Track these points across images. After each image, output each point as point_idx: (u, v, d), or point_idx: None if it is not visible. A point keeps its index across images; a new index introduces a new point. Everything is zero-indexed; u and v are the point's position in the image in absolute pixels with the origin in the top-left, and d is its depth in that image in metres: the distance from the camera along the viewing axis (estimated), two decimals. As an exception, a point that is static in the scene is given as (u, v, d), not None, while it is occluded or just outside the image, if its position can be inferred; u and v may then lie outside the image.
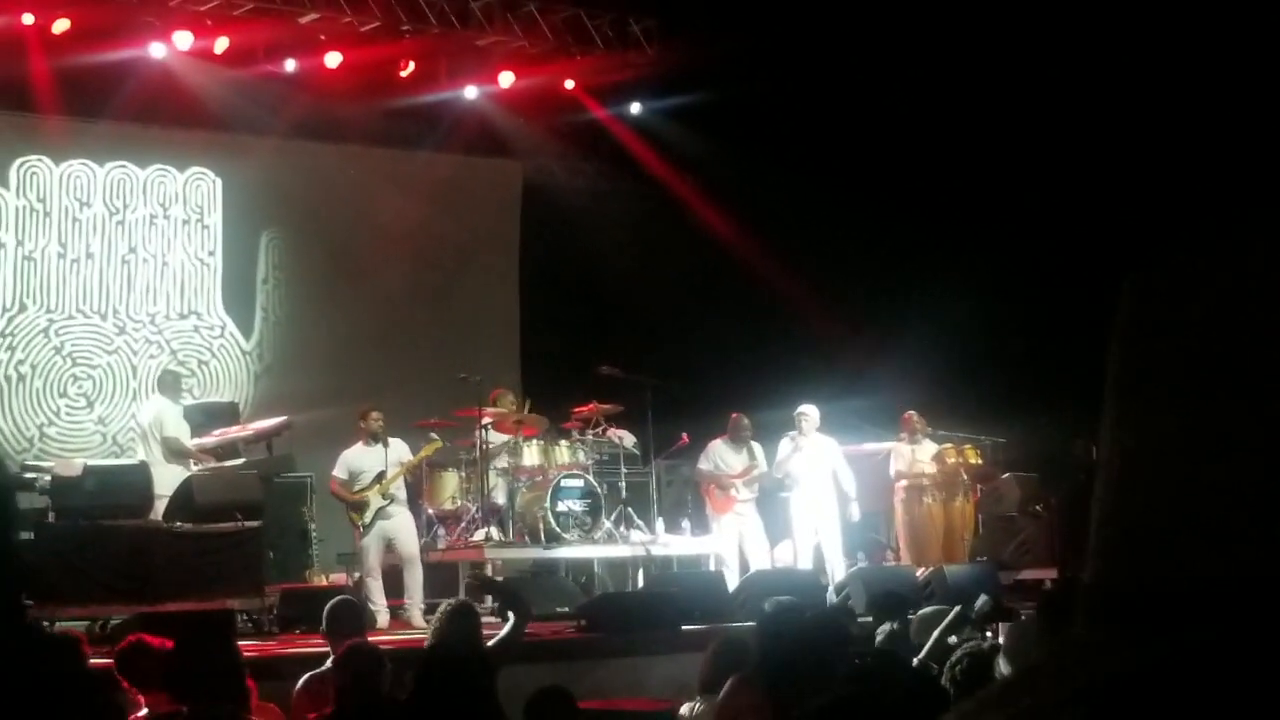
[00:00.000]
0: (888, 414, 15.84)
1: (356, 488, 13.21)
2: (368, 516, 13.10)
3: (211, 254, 17.67)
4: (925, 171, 17.55)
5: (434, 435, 14.22)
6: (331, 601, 8.55)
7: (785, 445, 14.62)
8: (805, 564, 14.38)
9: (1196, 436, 1.05)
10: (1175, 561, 1.03)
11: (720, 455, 14.71)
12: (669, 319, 18.49)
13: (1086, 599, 1.10)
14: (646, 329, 17.95)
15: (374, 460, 13.27)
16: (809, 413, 14.62)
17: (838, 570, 14.14)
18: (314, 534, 14.49)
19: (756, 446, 14.79)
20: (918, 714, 3.37)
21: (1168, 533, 1.04)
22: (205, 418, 14.49)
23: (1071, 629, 1.13)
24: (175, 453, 13.38)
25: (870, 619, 8.79)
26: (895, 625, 7.46)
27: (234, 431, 14.28)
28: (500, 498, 14.29)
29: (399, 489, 13.38)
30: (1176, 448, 1.06)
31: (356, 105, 17.45)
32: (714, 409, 15.45)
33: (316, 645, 9.19)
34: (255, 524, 12.22)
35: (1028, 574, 15.15)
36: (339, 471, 13.35)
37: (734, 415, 14.91)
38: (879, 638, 7.41)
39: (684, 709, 6.76)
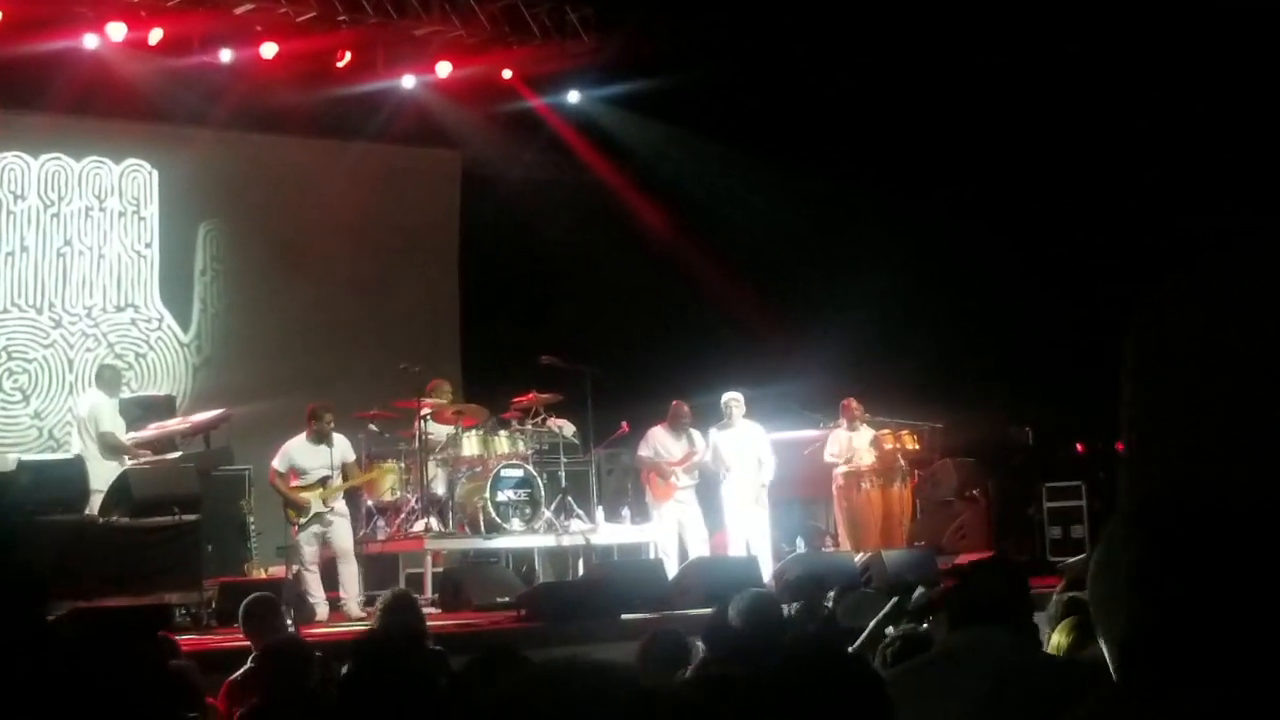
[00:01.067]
0: (824, 399, 15.91)
1: (295, 484, 13.19)
2: (304, 518, 13.09)
3: (148, 246, 17.56)
4: (861, 155, 17.64)
5: (374, 427, 14.24)
6: (247, 599, 8.54)
7: (713, 433, 14.72)
8: (738, 551, 14.44)
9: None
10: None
11: (661, 442, 14.77)
12: (608, 307, 18.52)
13: (1127, 504, 1.20)
14: (586, 318, 17.98)
15: (319, 459, 13.24)
16: (737, 399, 14.71)
17: (764, 556, 14.23)
18: (253, 527, 14.42)
19: (696, 434, 14.85)
20: (851, 698, 3.40)
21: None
22: (142, 410, 14.43)
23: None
24: (111, 448, 13.31)
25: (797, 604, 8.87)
26: (799, 606, 7.51)
27: (171, 424, 14.23)
28: (440, 488, 14.29)
29: (338, 495, 13.40)
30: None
31: (294, 95, 17.36)
32: (653, 397, 15.51)
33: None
34: (193, 517, 12.19)
35: (965, 558, 15.26)
36: (279, 463, 13.31)
37: (674, 403, 14.97)
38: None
39: None
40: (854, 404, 15.47)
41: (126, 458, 13.28)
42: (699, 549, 14.44)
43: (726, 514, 14.75)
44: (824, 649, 3.78)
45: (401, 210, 18.99)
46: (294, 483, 13.23)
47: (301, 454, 13.32)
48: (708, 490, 15.00)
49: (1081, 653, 4.95)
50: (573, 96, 19.03)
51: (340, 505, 13.40)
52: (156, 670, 5.71)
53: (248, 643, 8.32)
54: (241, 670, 7.18)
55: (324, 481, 13.20)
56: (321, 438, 13.32)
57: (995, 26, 16.48)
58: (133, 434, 13.67)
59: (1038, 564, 15.41)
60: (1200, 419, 1.17)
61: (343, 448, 13.49)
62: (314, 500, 13.12)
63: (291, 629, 9.65)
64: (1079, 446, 18.10)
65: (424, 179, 19.42)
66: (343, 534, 13.26)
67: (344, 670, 6.26)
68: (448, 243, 19.41)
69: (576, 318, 17.89)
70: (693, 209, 18.60)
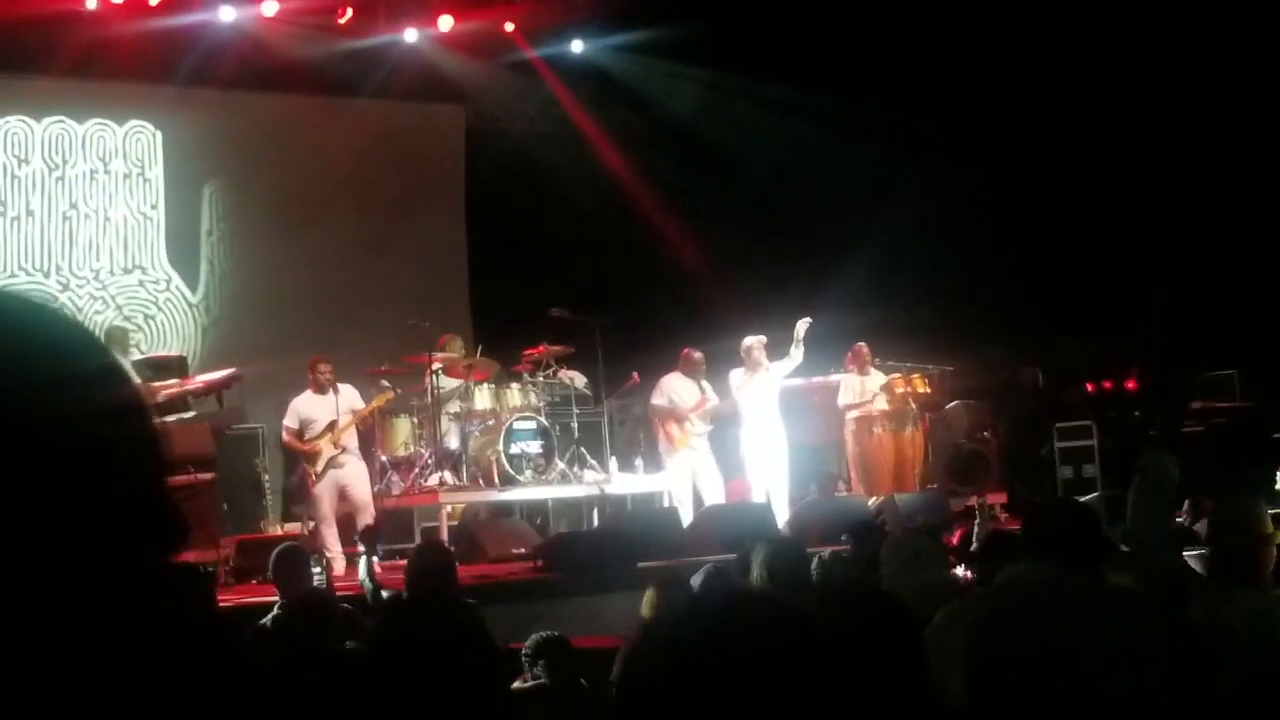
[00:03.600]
0: (837, 343, 15.88)
1: (308, 436, 13.20)
2: (320, 465, 13.09)
3: (154, 207, 17.56)
4: (871, 96, 17.55)
5: (385, 384, 14.20)
6: (278, 549, 8.59)
7: (737, 375, 14.62)
8: (759, 497, 14.41)
9: None
10: None
11: (674, 389, 14.71)
12: (617, 258, 18.51)
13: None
14: (595, 269, 17.95)
15: (325, 409, 13.23)
16: (758, 343, 14.61)
17: (782, 503, 14.20)
18: (267, 484, 14.51)
19: (705, 383, 14.82)
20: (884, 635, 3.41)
21: None
22: (154, 371, 14.43)
23: None
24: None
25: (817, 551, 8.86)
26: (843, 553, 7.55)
27: (184, 384, 14.24)
28: (453, 442, 14.30)
29: (350, 438, 13.36)
30: None
31: (295, 53, 17.30)
32: (663, 347, 15.49)
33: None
34: (208, 476, 12.24)
35: (977, 499, 15.28)
36: (289, 420, 13.32)
37: (685, 350, 14.93)
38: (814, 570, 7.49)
39: None
40: (864, 349, 15.39)
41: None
42: (714, 496, 14.44)
43: (746, 459, 14.68)
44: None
45: (407, 165, 18.97)
46: (306, 435, 13.23)
47: (307, 407, 13.30)
48: (721, 438, 14.99)
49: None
50: (576, 46, 18.95)
51: (354, 447, 13.35)
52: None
53: (267, 597, 8.37)
54: (269, 618, 7.20)
55: (332, 426, 13.16)
56: (324, 388, 13.27)
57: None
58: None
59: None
60: None
61: (349, 396, 13.41)
62: (325, 445, 13.10)
63: (320, 582, 9.68)
64: (1088, 386, 18.10)
65: (429, 133, 19.40)
66: (360, 484, 13.21)
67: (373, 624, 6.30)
68: (454, 197, 19.38)
69: (585, 269, 17.86)
70: (702, 154, 18.57)
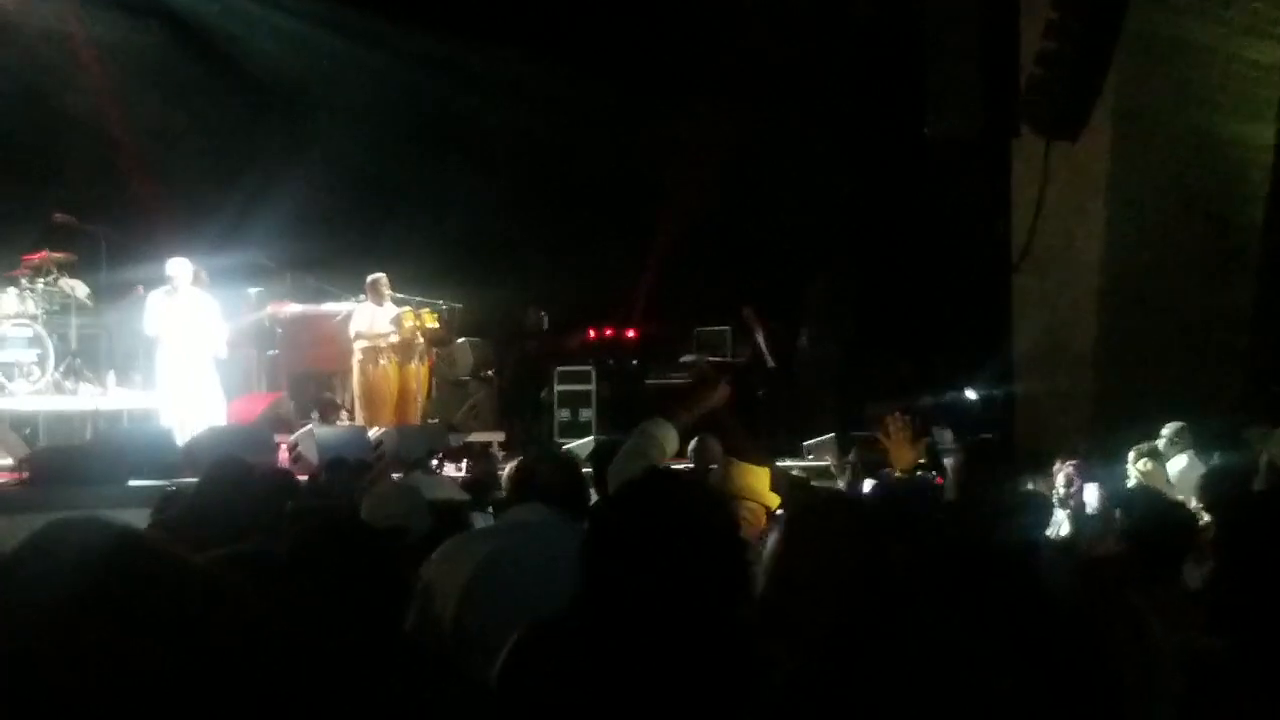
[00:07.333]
0: (347, 271, 15.95)
1: None
2: None
3: None
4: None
5: None
6: None
7: (157, 299, 14.11)
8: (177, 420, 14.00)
9: None
10: None
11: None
12: (127, 168, 18.04)
13: None
14: (105, 179, 17.45)
15: None
16: (181, 265, 14.19)
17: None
18: None
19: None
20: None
21: None
22: None
23: None
24: None
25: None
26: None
27: None
28: (-62, 346, 13.71)
29: None
30: None
31: None
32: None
33: None
34: None
35: (476, 436, 15.70)
36: None
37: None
38: None
39: None
40: (383, 280, 15.42)
41: None
42: (212, 417, 14.28)
43: (168, 381, 14.21)
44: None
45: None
46: None
47: None
48: (237, 357, 14.83)
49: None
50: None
51: None
52: None
53: None
54: None
55: None
56: None
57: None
58: None
59: (544, 445, 16.00)
60: None
61: None
62: None
63: None
64: (590, 332, 18.81)
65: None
66: None
67: None
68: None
69: (95, 178, 17.33)
70: (232, 70, 18.28)
